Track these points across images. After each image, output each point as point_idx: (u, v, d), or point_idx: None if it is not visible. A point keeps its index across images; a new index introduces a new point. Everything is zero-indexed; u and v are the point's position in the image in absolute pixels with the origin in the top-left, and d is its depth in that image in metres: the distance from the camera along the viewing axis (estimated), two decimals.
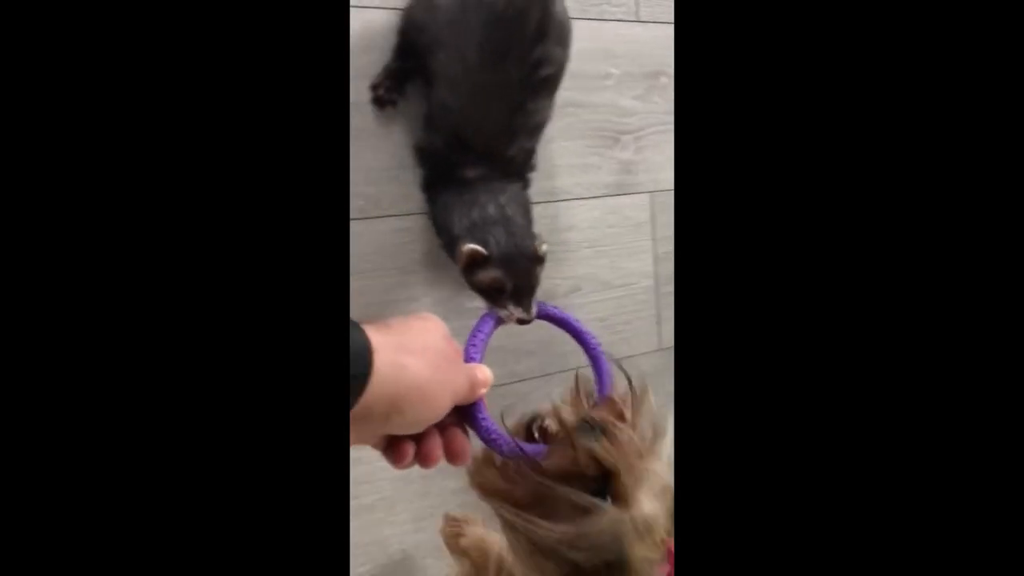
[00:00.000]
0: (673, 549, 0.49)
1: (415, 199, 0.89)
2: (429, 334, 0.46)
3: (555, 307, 0.70)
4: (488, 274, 0.71)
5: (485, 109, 0.76)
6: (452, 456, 0.49)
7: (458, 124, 0.77)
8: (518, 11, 0.73)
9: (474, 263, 0.71)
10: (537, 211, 0.87)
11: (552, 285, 1.03)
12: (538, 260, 0.73)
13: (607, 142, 1.06)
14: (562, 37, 0.81)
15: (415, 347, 0.44)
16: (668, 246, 1.14)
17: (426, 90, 0.82)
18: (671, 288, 1.14)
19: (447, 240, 0.78)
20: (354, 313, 0.41)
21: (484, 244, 0.71)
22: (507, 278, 0.70)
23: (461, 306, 0.94)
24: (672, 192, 1.11)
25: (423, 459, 0.48)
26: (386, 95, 0.85)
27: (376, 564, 0.93)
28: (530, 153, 0.84)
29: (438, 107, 0.79)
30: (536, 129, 0.82)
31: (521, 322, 0.70)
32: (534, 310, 0.70)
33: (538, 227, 0.83)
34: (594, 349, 0.65)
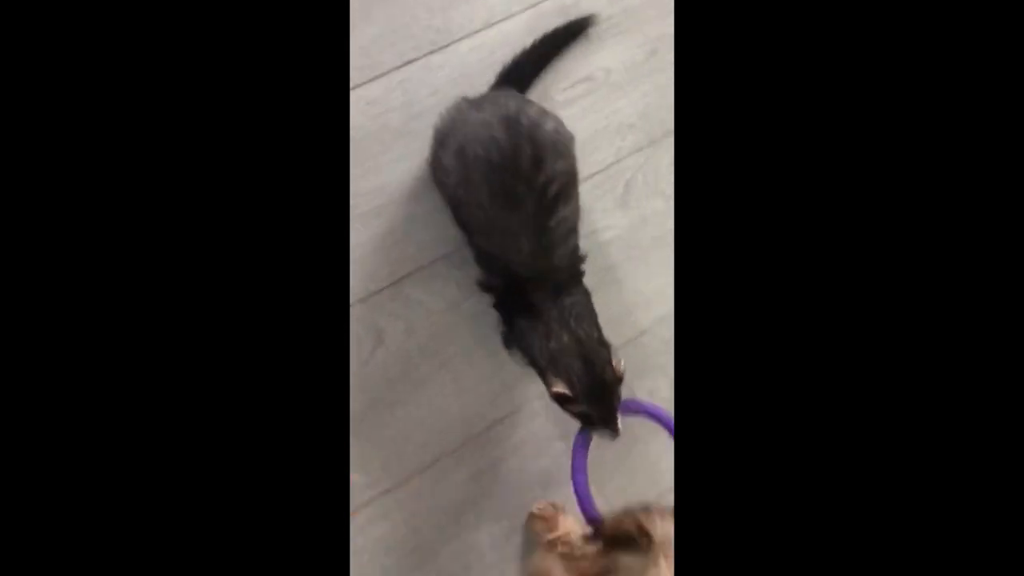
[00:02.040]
0: None
1: None
2: None
3: (641, 401, 0.83)
4: (576, 408, 0.81)
5: (517, 243, 0.81)
6: None
7: (500, 261, 0.84)
8: (509, 155, 0.78)
9: (563, 399, 0.81)
10: None
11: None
12: (617, 381, 0.81)
13: None
14: (560, 151, 0.83)
15: None
16: None
17: (465, 236, 0.89)
18: None
19: (531, 363, 0.87)
20: None
21: (568, 382, 0.80)
22: (592, 410, 0.80)
23: None
24: None
25: None
26: None
27: None
28: (574, 250, 0.88)
29: (478, 251, 0.86)
30: (569, 233, 0.86)
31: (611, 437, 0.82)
32: (620, 427, 0.81)
33: None
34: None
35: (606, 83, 1.05)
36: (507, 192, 0.79)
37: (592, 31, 1.04)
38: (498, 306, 0.92)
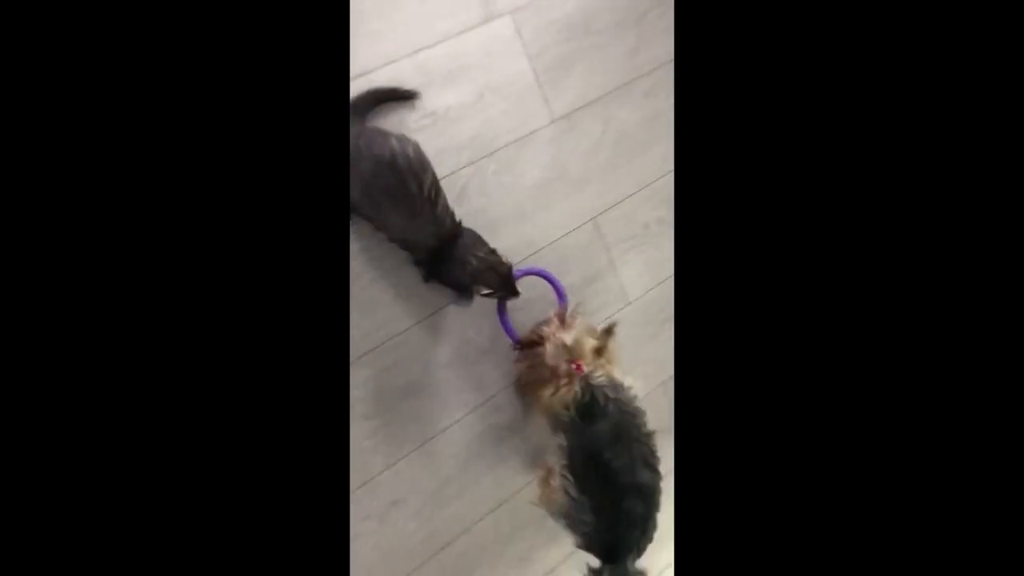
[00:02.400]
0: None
1: None
2: None
3: (528, 267, 1.53)
4: (496, 295, 1.44)
5: (424, 229, 1.34)
6: None
7: (415, 244, 1.39)
8: (403, 186, 1.26)
9: (488, 296, 1.44)
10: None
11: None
12: (509, 268, 1.41)
13: None
14: (424, 165, 1.26)
15: None
16: (537, 48, 1.55)
17: (385, 235, 1.40)
18: (552, 75, 1.56)
19: (466, 287, 1.46)
20: None
21: (486, 285, 1.40)
22: (503, 291, 1.43)
23: None
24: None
25: None
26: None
27: None
28: (452, 214, 1.38)
29: (400, 242, 1.41)
30: (447, 208, 1.36)
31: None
32: (519, 290, 1.46)
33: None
34: (555, 282, 1.53)
35: (445, 117, 1.46)
36: (409, 207, 1.26)
37: (414, 101, 1.44)
38: (429, 276, 1.48)
